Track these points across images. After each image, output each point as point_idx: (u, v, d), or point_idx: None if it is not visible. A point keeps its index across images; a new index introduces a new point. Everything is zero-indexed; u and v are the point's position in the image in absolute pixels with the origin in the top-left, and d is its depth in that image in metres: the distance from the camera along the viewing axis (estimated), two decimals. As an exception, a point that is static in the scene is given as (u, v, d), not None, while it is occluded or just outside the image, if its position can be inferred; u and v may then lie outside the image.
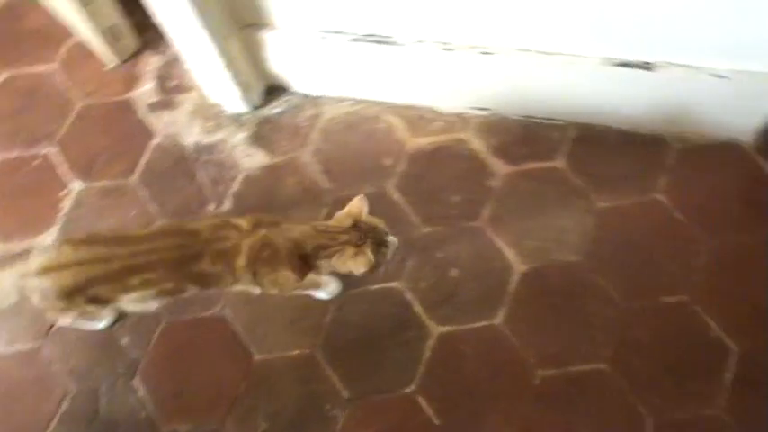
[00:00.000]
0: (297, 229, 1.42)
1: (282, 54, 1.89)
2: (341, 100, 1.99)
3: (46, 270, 1.36)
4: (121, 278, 1.38)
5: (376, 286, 1.73)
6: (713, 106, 1.71)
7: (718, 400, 1.55)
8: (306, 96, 2.01)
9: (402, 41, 1.74)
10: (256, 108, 2.01)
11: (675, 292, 1.65)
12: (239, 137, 1.97)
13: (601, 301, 1.66)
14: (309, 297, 1.71)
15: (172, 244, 1.40)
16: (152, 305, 1.49)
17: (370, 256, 1.39)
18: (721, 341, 1.60)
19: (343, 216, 1.44)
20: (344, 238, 1.40)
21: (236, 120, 2.00)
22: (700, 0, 1.45)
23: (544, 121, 1.88)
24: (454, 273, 1.73)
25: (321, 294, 1.72)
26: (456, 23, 1.66)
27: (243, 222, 1.42)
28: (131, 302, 1.44)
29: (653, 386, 1.57)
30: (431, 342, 1.66)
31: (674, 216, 1.74)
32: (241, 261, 1.40)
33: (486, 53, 1.71)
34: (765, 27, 1.46)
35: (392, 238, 1.46)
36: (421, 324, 1.68)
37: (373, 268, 1.40)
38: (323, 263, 1.43)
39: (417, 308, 1.70)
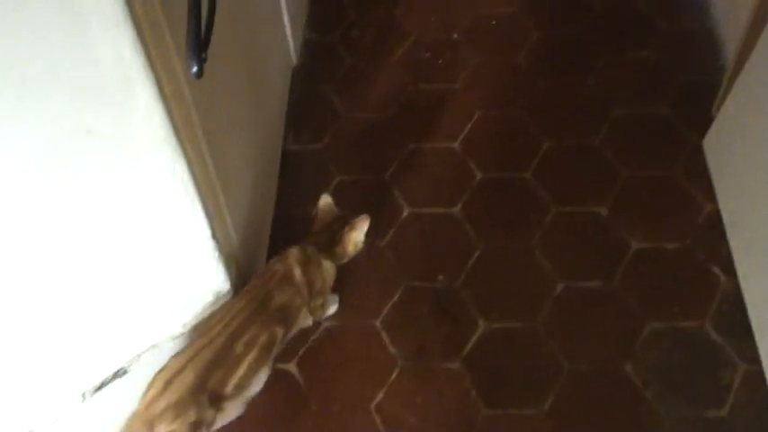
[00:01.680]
0: (310, 240, 1.80)
1: None
2: None
3: (167, 384, 1.44)
4: (228, 352, 1.52)
5: None
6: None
7: None
8: None
9: None
10: None
11: None
12: None
13: None
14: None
15: (247, 300, 1.62)
16: (258, 381, 1.64)
17: (362, 217, 1.78)
18: None
19: (322, 217, 1.85)
20: (337, 226, 1.80)
21: None
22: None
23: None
24: None
25: (332, 308, 1.97)
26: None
27: (286, 253, 1.73)
28: (239, 388, 1.56)
29: None
30: None
31: None
32: (297, 271, 1.69)
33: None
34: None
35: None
36: None
37: (371, 224, 1.80)
38: (340, 249, 1.80)
39: None
